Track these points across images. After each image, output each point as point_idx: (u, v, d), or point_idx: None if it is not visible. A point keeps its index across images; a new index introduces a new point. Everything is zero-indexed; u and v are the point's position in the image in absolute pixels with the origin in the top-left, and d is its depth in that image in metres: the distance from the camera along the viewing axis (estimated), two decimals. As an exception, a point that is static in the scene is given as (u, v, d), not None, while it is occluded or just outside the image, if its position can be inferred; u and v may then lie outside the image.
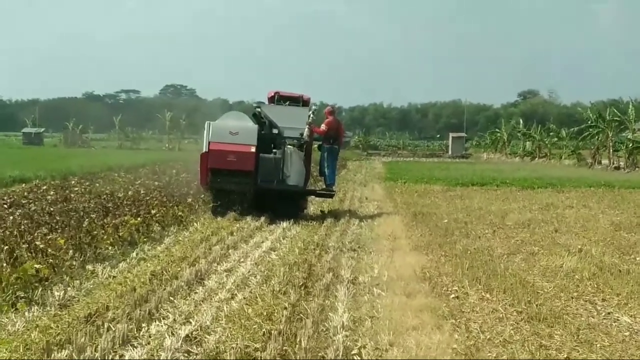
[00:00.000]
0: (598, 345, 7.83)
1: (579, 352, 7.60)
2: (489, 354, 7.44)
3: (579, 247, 13.96)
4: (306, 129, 18.71)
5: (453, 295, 9.91)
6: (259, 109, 19.16)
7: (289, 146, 18.91)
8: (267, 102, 20.04)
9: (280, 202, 18.56)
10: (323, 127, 19.51)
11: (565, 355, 7.47)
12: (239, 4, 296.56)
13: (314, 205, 21.06)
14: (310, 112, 19.15)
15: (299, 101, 19.89)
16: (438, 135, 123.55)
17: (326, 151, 19.77)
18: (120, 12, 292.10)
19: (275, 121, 18.89)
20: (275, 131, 18.85)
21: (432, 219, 18.19)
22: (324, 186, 20.34)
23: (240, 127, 18.05)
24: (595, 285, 10.66)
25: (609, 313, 9.23)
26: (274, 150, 18.72)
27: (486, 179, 33.54)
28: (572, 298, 9.96)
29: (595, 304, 9.69)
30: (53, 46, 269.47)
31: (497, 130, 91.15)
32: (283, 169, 18.61)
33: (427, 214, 19.42)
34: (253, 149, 17.80)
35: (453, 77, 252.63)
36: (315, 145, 20.06)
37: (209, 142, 17.92)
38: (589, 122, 59.45)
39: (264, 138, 18.51)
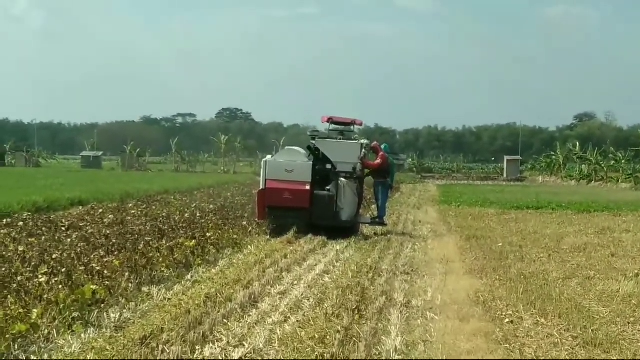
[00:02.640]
0: (655, 371, 7.71)
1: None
2: (544, 380, 7.36)
3: (636, 271, 13.74)
4: (359, 164, 19.38)
5: (507, 320, 9.82)
6: (313, 142, 19.70)
7: (342, 179, 19.31)
8: (322, 124, 20.44)
9: (335, 231, 18.94)
10: (378, 160, 20.33)
11: (621, 382, 7.37)
12: (291, 27, 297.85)
13: (367, 229, 21.03)
14: (363, 147, 19.65)
15: (351, 125, 20.35)
16: (493, 158, 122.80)
17: (380, 185, 20.79)
18: (176, 36, 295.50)
19: (330, 156, 19.41)
20: (328, 166, 19.37)
21: (487, 243, 18.05)
22: (376, 214, 21.22)
23: (295, 164, 18.84)
24: (653, 311, 10.50)
25: (666, 339, 9.07)
26: (327, 188, 19.18)
27: (542, 203, 33.19)
28: (629, 323, 9.81)
29: (653, 329, 9.55)
30: (111, 70, 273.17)
31: (552, 153, 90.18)
32: (337, 202, 19.09)
33: (482, 237, 19.28)
34: (308, 187, 18.63)
35: (508, 99, 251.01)
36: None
37: (265, 180, 18.66)
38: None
39: (319, 173, 19.23)
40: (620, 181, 63.49)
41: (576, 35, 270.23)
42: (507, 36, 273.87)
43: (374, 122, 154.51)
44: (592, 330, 9.16)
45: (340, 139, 19.91)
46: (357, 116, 20.87)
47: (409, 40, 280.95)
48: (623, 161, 68.35)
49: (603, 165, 71.10)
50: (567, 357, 8.08)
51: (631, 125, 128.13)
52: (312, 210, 18.90)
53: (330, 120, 20.23)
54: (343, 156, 19.42)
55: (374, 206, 22.21)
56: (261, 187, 19.09)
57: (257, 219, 19.79)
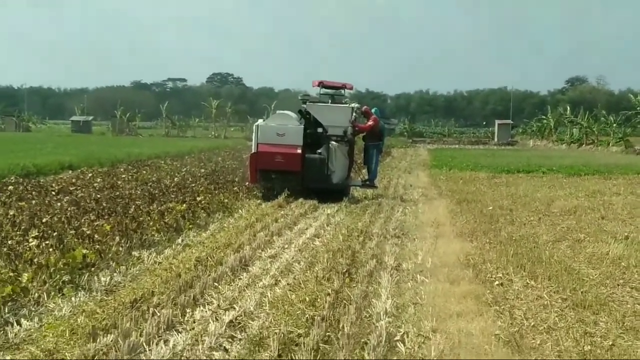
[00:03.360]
0: (644, 332, 7.75)
1: (624, 339, 7.53)
2: (533, 341, 7.40)
3: (626, 234, 13.80)
4: (349, 127, 19.52)
5: (497, 282, 9.86)
6: (304, 106, 19.78)
7: (333, 142, 19.43)
8: (312, 88, 20.68)
9: (325, 194, 19.10)
10: (370, 122, 20.47)
11: (610, 343, 7.40)
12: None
13: (358, 193, 21.07)
14: (353, 111, 19.83)
15: (342, 89, 20.52)
16: (484, 123, 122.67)
17: (374, 148, 20.97)
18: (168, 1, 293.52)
19: (321, 120, 19.52)
20: (320, 130, 19.46)
21: (477, 206, 18.09)
22: (367, 177, 21.36)
23: (287, 128, 18.97)
24: (642, 272, 10.55)
25: (655, 300, 9.12)
26: (318, 151, 19.25)
27: (532, 166, 33.22)
28: (618, 285, 9.86)
29: (642, 291, 9.59)
30: (101, 35, 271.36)
31: (543, 117, 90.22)
32: (328, 165, 19.23)
33: (472, 201, 19.31)
34: (299, 150, 18.79)
35: (500, 64, 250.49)
36: (360, 136, 20.98)
37: (257, 144, 18.80)
38: (638, 109, 58.64)
39: (310, 136, 19.29)
40: (610, 145, 63.68)
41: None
42: (499, 1, 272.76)
43: (365, 87, 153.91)
44: (582, 292, 9.20)
45: (330, 103, 19.90)
46: (348, 81, 20.90)
47: (400, 5, 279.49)
48: (614, 125, 68.40)
49: (594, 129, 71.19)
50: (557, 319, 8.11)
51: (622, 89, 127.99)
52: (304, 173, 19.05)
53: (321, 85, 20.39)
54: (334, 120, 19.56)
55: (364, 170, 22.21)
56: (253, 151, 19.18)
57: (249, 183, 19.94)
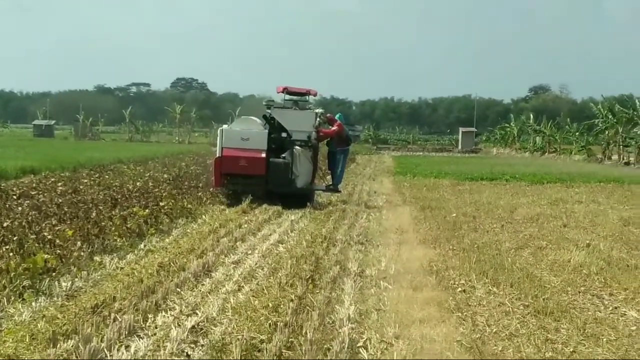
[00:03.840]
0: (604, 339, 7.80)
1: (585, 346, 7.58)
2: (495, 347, 7.43)
3: (587, 241, 13.91)
4: (313, 132, 19.68)
5: (460, 289, 9.89)
6: (269, 111, 19.92)
7: (297, 147, 19.55)
8: (277, 94, 20.84)
9: (289, 199, 19.18)
10: (334, 128, 20.62)
11: (571, 349, 7.45)
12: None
13: (322, 199, 21.10)
14: (317, 116, 20.04)
15: (306, 95, 20.66)
16: (448, 130, 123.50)
17: (341, 153, 21.12)
18: (133, 4, 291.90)
19: (285, 125, 19.65)
20: (284, 134, 19.59)
21: (441, 213, 18.16)
22: (331, 182, 21.49)
23: (251, 132, 19.14)
24: (603, 280, 10.62)
25: (616, 307, 9.19)
26: (282, 156, 19.38)
27: (495, 174, 33.47)
28: (580, 292, 9.93)
29: (603, 298, 9.66)
30: (64, 39, 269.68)
31: (507, 125, 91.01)
32: (292, 169, 19.33)
33: (436, 208, 19.39)
34: (263, 154, 18.93)
35: (464, 72, 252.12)
36: (325, 142, 21.20)
37: (222, 148, 18.94)
38: (599, 118, 59.28)
39: (274, 141, 19.46)
40: (573, 153, 64.29)
41: (533, 8, 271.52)
42: (463, 9, 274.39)
43: (330, 94, 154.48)
44: (543, 299, 9.25)
45: (295, 109, 20.00)
46: (313, 87, 20.99)
47: (366, 13, 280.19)
48: (576, 133, 69.04)
49: (556, 137, 71.82)
50: (518, 325, 8.15)
51: (585, 98, 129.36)
52: (268, 177, 19.16)
53: (285, 91, 20.47)
54: (298, 125, 19.69)
55: (329, 176, 22.26)
56: (217, 155, 19.28)
57: (213, 186, 20.05)
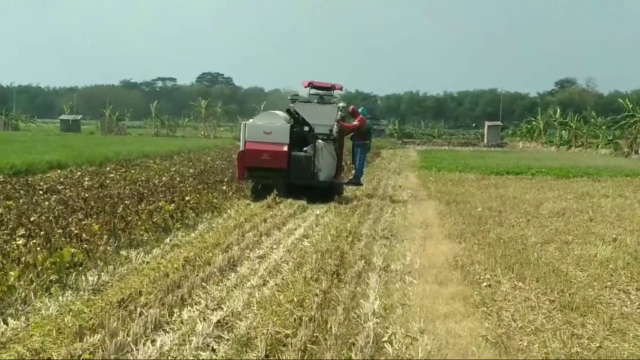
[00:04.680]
0: (631, 334, 7.76)
1: (611, 341, 7.54)
2: (520, 342, 7.40)
3: (614, 236, 13.83)
4: (335, 126, 19.79)
5: (485, 284, 9.86)
6: (292, 105, 20.13)
7: (319, 141, 19.65)
8: (303, 89, 20.84)
9: (314, 192, 19.33)
10: (356, 122, 20.77)
11: (597, 345, 7.41)
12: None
13: (347, 193, 21.10)
14: (340, 110, 20.15)
15: (331, 90, 20.67)
16: (474, 124, 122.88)
17: (359, 147, 21.24)
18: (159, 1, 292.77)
19: (307, 119, 19.83)
20: (306, 128, 19.78)
21: (466, 208, 18.11)
22: (354, 176, 21.63)
23: (274, 126, 19.37)
24: (629, 275, 10.56)
25: (642, 302, 9.14)
26: (304, 149, 19.55)
27: (521, 168, 33.34)
28: (606, 287, 9.87)
29: (629, 293, 9.59)
30: (91, 34, 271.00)
31: (533, 119, 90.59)
32: (315, 163, 19.52)
33: (461, 202, 19.34)
34: (285, 148, 19.14)
35: (490, 65, 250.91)
36: (349, 136, 21.35)
37: (245, 142, 19.25)
38: (626, 111, 58.83)
39: (297, 134, 19.64)
40: (599, 147, 63.88)
41: (559, 0, 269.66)
42: (489, 2, 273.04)
43: (355, 88, 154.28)
44: (569, 294, 9.21)
45: (317, 103, 20.09)
46: (339, 81, 21.11)
47: (391, 6, 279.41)
48: (603, 127, 68.60)
49: (583, 131, 71.38)
50: (544, 320, 8.11)
51: (612, 91, 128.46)
52: (290, 170, 19.34)
53: (311, 85, 20.50)
54: (320, 119, 19.84)
55: (354, 170, 22.30)
56: (241, 149, 19.54)
57: (237, 180, 20.28)
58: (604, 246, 12.65)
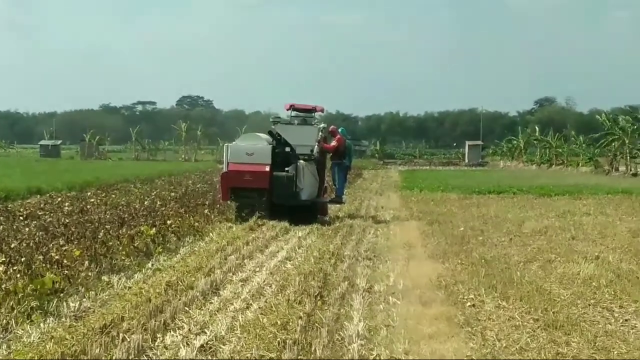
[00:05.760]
0: (615, 352, 7.77)
1: (596, 359, 7.53)
2: (505, 362, 7.39)
3: (596, 254, 13.87)
4: (316, 146, 20.10)
5: (469, 304, 9.85)
6: (274, 127, 20.36)
7: (300, 161, 19.90)
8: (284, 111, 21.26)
9: (297, 212, 19.49)
10: (334, 143, 21.03)
11: (582, 363, 7.41)
12: (255, 15, 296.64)
13: (330, 214, 21.12)
14: (320, 131, 20.45)
15: (312, 112, 20.98)
16: (454, 144, 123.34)
17: (335, 166, 21.67)
18: (136, 24, 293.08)
19: (289, 140, 20.04)
20: (288, 149, 19.98)
21: (448, 227, 18.14)
22: (335, 195, 22.15)
23: (255, 148, 19.64)
24: (613, 292, 10.57)
25: (626, 320, 9.15)
26: (286, 169, 19.66)
27: (503, 187, 33.41)
28: (589, 305, 9.88)
29: (613, 311, 9.62)
30: (70, 59, 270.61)
31: (513, 138, 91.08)
32: (296, 182, 19.69)
33: (443, 222, 19.38)
34: (267, 168, 19.32)
35: (469, 85, 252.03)
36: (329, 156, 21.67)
37: (228, 163, 19.56)
38: (606, 129, 59.23)
39: (279, 155, 19.82)
40: (580, 165, 64.22)
41: (537, 21, 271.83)
42: (469, 23, 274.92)
43: (336, 109, 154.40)
44: (553, 313, 9.21)
45: (298, 124, 20.38)
46: (319, 102, 21.31)
47: (371, 27, 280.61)
48: (583, 145, 69.02)
49: (563, 150, 71.79)
50: (529, 339, 8.10)
51: (591, 110, 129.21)
52: (272, 190, 19.48)
53: (292, 107, 20.80)
54: (302, 140, 20.10)
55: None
56: (224, 170, 19.81)
57: (221, 200, 20.65)
58: (586, 264, 12.67)
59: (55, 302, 9.32)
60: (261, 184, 19.27)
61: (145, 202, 22.09)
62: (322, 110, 21.85)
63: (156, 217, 17.84)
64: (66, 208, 20.35)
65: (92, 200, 23.26)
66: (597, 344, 8.00)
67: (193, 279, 11.01)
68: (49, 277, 9.93)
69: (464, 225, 18.42)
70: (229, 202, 20.11)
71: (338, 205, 22.61)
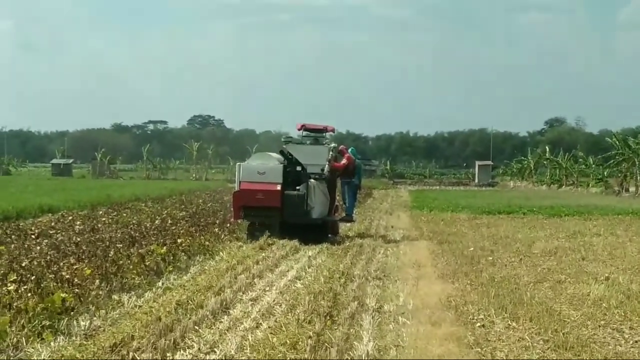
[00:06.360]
0: (626, 374, 7.75)
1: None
2: (515, 383, 7.38)
3: (606, 275, 13.83)
4: (326, 166, 20.27)
5: (479, 324, 9.85)
6: (285, 146, 20.57)
7: (311, 180, 20.02)
8: (296, 132, 21.36)
9: (307, 231, 19.59)
10: (344, 161, 21.34)
11: (592, 384, 7.39)
12: (264, 34, 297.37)
13: (340, 234, 21.15)
14: (330, 151, 20.57)
15: (323, 132, 21.19)
16: (465, 164, 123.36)
17: (345, 185, 22.02)
18: (149, 42, 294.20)
19: (300, 159, 20.25)
20: (299, 168, 20.18)
21: (458, 247, 18.12)
22: (346, 213, 22.36)
23: (267, 167, 19.87)
24: (623, 314, 10.55)
25: (636, 341, 9.12)
26: (297, 188, 19.83)
27: (513, 207, 33.38)
28: (599, 326, 9.87)
29: (623, 332, 9.59)
30: (81, 78, 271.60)
31: (523, 158, 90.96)
32: (307, 201, 19.79)
33: (453, 242, 19.37)
34: (279, 187, 19.53)
35: (480, 105, 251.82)
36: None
37: (240, 182, 19.73)
38: (616, 150, 59.11)
39: (290, 174, 20.05)
40: (590, 185, 64.05)
41: (547, 41, 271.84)
42: (479, 43, 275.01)
43: (346, 129, 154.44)
44: (563, 334, 9.19)
45: (309, 144, 20.56)
46: (329, 122, 21.52)
47: (381, 47, 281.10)
48: (593, 165, 68.87)
49: (573, 170, 71.65)
50: (539, 361, 8.10)
51: (601, 130, 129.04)
52: (284, 208, 19.61)
53: (303, 127, 20.98)
54: (312, 159, 20.28)
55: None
56: (236, 189, 19.96)
57: (233, 219, 20.76)
58: (596, 285, 12.65)
59: (65, 320, 9.36)
60: (273, 203, 19.42)
61: (156, 221, 22.14)
62: (332, 130, 22.05)
63: (167, 236, 17.88)
64: (77, 227, 20.42)
65: (103, 219, 23.34)
66: (607, 365, 7.99)
67: (203, 298, 11.04)
68: (58, 295, 9.97)
69: (474, 246, 18.41)
70: (239, 221, 20.27)
71: (348, 225, 22.72)
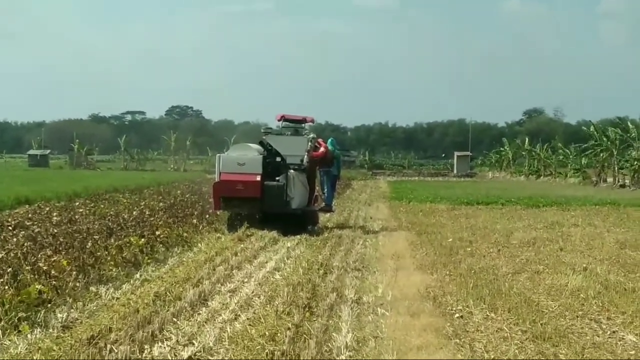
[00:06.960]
0: (603, 364, 7.77)
1: (584, 371, 7.55)
2: (494, 374, 7.39)
3: (584, 265, 13.89)
4: (305, 156, 20.33)
5: (457, 315, 9.86)
6: (264, 137, 20.69)
7: (291, 171, 20.07)
8: (275, 123, 21.67)
9: (287, 221, 19.72)
10: (322, 149, 21.34)
11: (570, 375, 7.41)
12: (244, 23, 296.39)
13: (318, 225, 21.13)
14: (309, 141, 20.65)
15: (303, 123, 21.33)
16: (443, 155, 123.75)
17: (324, 175, 22.47)
18: (126, 33, 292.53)
19: (279, 150, 20.25)
20: (278, 159, 20.17)
21: (437, 238, 18.15)
22: (325, 203, 22.74)
23: (247, 158, 19.77)
24: (601, 304, 10.59)
25: (614, 332, 9.15)
26: (277, 178, 19.89)
27: (491, 198, 33.49)
28: (577, 317, 9.89)
29: (601, 322, 9.62)
30: (59, 68, 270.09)
31: (502, 149, 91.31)
32: (287, 192, 19.83)
33: (432, 233, 19.41)
34: (259, 178, 19.49)
35: (458, 96, 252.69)
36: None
37: (220, 173, 19.68)
38: (594, 140, 59.41)
39: (269, 165, 20.01)
40: (568, 176, 64.40)
41: (526, 31, 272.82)
42: (458, 33, 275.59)
43: (325, 119, 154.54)
44: (541, 324, 9.22)
45: (289, 135, 20.68)
46: (308, 113, 21.61)
47: (361, 37, 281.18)
48: (571, 156, 69.22)
49: (551, 161, 71.98)
50: (517, 351, 8.11)
51: (579, 121, 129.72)
52: (264, 199, 19.65)
53: (283, 118, 21.16)
54: (292, 150, 20.33)
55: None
56: (216, 180, 19.92)
57: (213, 210, 20.82)
58: (574, 275, 12.69)
59: (42, 312, 9.28)
60: (253, 193, 19.46)
61: (134, 213, 22.02)
62: (312, 121, 22.04)
63: (145, 227, 17.79)
64: (54, 218, 20.25)
65: (81, 210, 23.16)
66: (585, 356, 8.02)
67: (181, 289, 10.99)
68: (34, 287, 9.90)
69: (453, 236, 18.44)
70: (219, 211, 20.37)
71: (327, 215, 22.84)
